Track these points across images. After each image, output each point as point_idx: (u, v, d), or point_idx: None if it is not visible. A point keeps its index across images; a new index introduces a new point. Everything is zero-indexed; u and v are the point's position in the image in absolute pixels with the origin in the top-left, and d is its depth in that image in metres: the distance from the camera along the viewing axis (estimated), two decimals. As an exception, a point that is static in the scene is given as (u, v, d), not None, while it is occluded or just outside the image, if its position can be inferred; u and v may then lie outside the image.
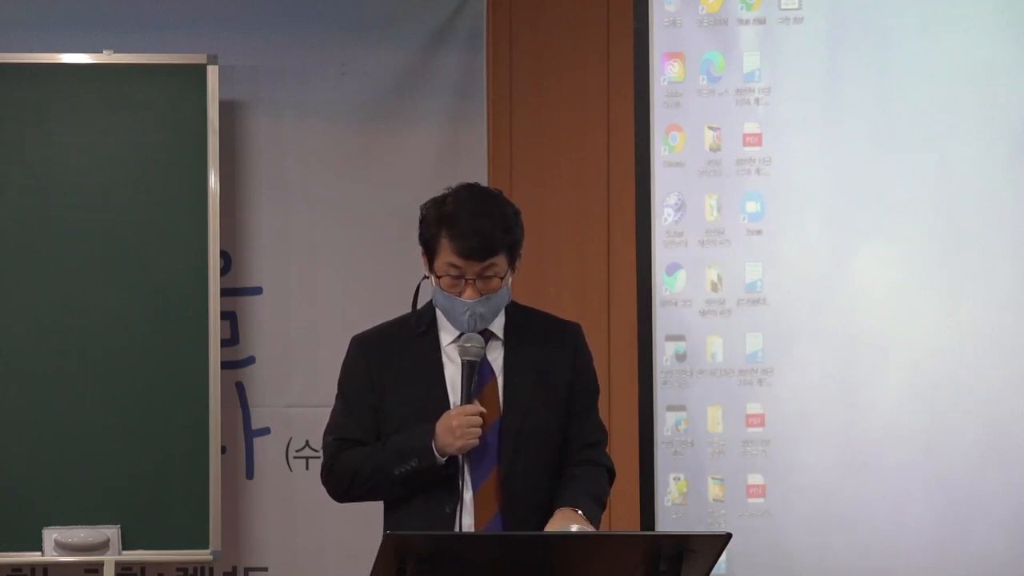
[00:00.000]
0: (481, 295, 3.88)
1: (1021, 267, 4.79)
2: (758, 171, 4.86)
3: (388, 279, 5.56)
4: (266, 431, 5.58)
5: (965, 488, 4.76)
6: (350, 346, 4.09)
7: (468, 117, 5.58)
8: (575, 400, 3.99)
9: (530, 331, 4.00)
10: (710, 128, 4.88)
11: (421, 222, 3.94)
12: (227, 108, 5.47)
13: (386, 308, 5.48)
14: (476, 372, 3.87)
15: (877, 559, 4.78)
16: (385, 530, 3.91)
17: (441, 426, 3.84)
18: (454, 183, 5.22)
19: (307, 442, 5.57)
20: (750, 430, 4.83)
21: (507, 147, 5.57)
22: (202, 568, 5.53)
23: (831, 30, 4.86)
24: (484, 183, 5.45)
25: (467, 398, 3.86)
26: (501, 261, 3.88)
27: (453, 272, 3.88)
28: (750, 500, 4.82)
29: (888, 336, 4.81)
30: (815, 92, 4.86)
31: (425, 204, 3.96)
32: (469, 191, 3.98)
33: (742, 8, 4.89)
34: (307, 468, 5.57)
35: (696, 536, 3.61)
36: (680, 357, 4.83)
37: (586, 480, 3.94)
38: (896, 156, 4.82)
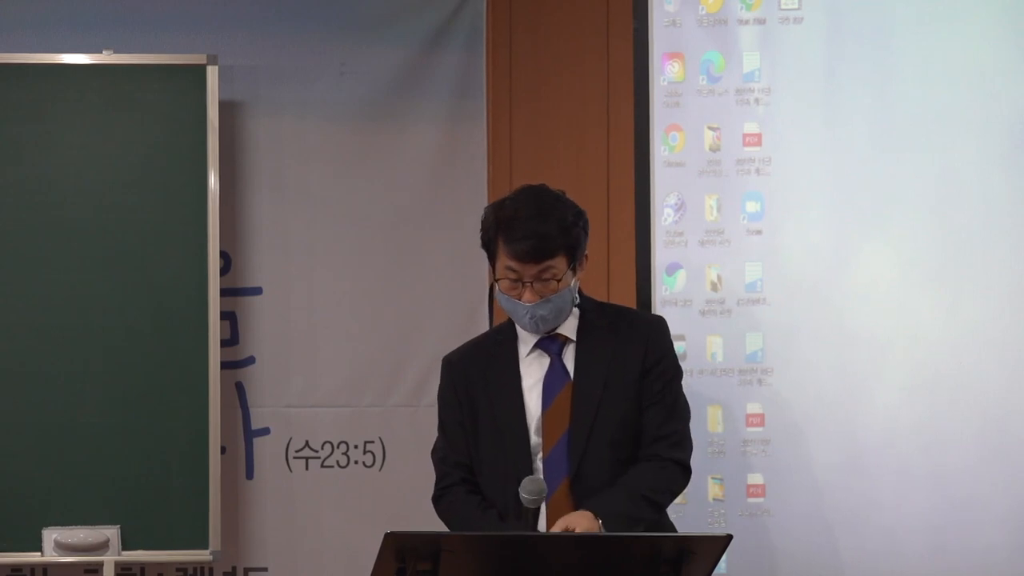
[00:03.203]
0: (540, 297, 3.89)
1: (1021, 266, 4.80)
2: (758, 171, 4.87)
3: (388, 279, 5.56)
4: (266, 431, 5.57)
5: (965, 486, 4.77)
6: (441, 368, 4.13)
7: (468, 117, 5.57)
8: (646, 392, 3.99)
9: (603, 328, 4.01)
10: (710, 128, 4.89)
11: (482, 226, 3.96)
12: (227, 108, 5.47)
13: (386, 307, 5.54)
14: (537, 518, 3.82)
15: (877, 558, 4.78)
16: None
17: None
18: (454, 183, 5.25)
19: (307, 442, 5.57)
20: (750, 430, 4.84)
21: (507, 147, 5.57)
22: (202, 568, 5.53)
23: (831, 30, 4.87)
24: (484, 183, 5.49)
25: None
26: (559, 263, 3.89)
27: (511, 275, 3.90)
28: (750, 500, 4.83)
29: (888, 335, 4.81)
30: (815, 92, 4.86)
31: (486, 207, 3.99)
32: (529, 192, 3.99)
33: (742, 8, 4.89)
34: (307, 468, 5.57)
35: (697, 537, 3.62)
36: (680, 357, 4.82)
37: (638, 481, 3.94)
38: (896, 156, 4.83)
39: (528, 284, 3.89)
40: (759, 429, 4.83)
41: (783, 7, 4.88)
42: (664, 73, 4.90)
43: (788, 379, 4.82)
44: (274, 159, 5.59)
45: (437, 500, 4.08)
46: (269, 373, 5.58)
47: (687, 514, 4.79)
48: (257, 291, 5.58)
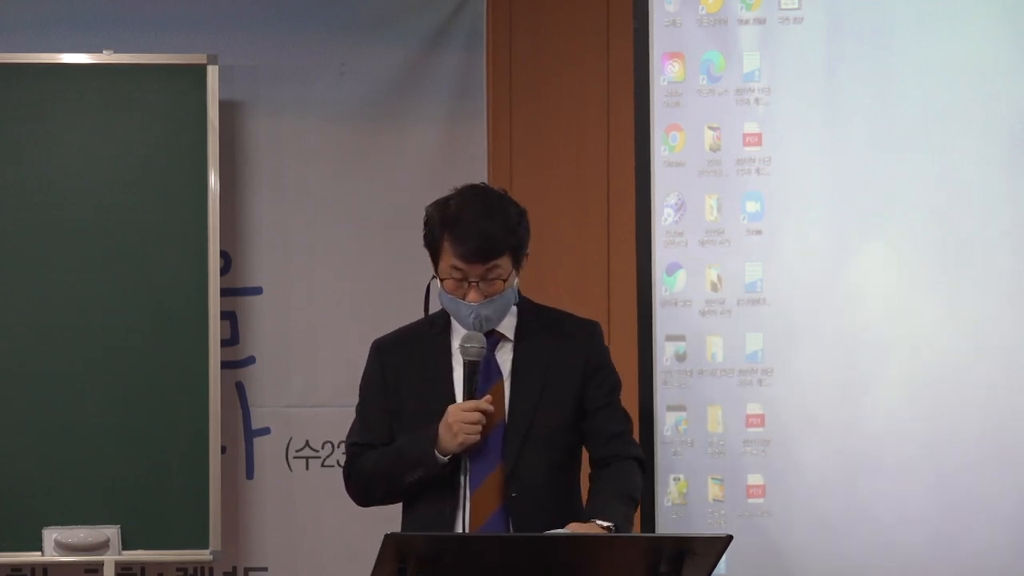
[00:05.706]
0: (485, 297, 3.89)
1: (1021, 267, 4.79)
2: (758, 171, 4.86)
3: (388, 278, 5.56)
4: (266, 431, 5.58)
5: (966, 487, 4.76)
6: (369, 351, 4.10)
7: (468, 117, 5.58)
8: (592, 399, 3.99)
9: (542, 330, 4.00)
10: (710, 128, 4.88)
11: (425, 224, 3.95)
12: (227, 108, 5.48)
13: (386, 307, 5.54)
14: (477, 371, 3.88)
15: (877, 559, 4.78)
16: (402, 530, 3.93)
17: (442, 426, 3.85)
18: (454, 183, 5.23)
19: (307, 442, 5.57)
20: (750, 430, 4.83)
21: (507, 147, 5.57)
22: (202, 568, 5.53)
23: (831, 30, 4.86)
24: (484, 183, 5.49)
25: (467, 397, 3.87)
26: (505, 263, 3.89)
27: (456, 275, 3.89)
28: (750, 500, 4.82)
29: (888, 335, 4.81)
30: (815, 92, 4.85)
31: (429, 206, 3.97)
32: (473, 192, 3.98)
33: (742, 8, 4.88)
34: (307, 468, 5.57)
35: (697, 538, 3.61)
36: (680, 357, 4.83)
37: (615, 482, 3.95)
38: (896, 156, 4.82)
39: (474, 284, 3.89)
40: (759, 429, 4.82)
41: (783, 7, 4.87)
42: (664, 73, 4.89)
43: (788, 379, 4.82)
44: (274, 159, 5.59)
45: (348, 477, 4.03)
46: (269, 373, 5.59)
47: (687, 514, 4.79)
48: (257, 291, 5.59)
